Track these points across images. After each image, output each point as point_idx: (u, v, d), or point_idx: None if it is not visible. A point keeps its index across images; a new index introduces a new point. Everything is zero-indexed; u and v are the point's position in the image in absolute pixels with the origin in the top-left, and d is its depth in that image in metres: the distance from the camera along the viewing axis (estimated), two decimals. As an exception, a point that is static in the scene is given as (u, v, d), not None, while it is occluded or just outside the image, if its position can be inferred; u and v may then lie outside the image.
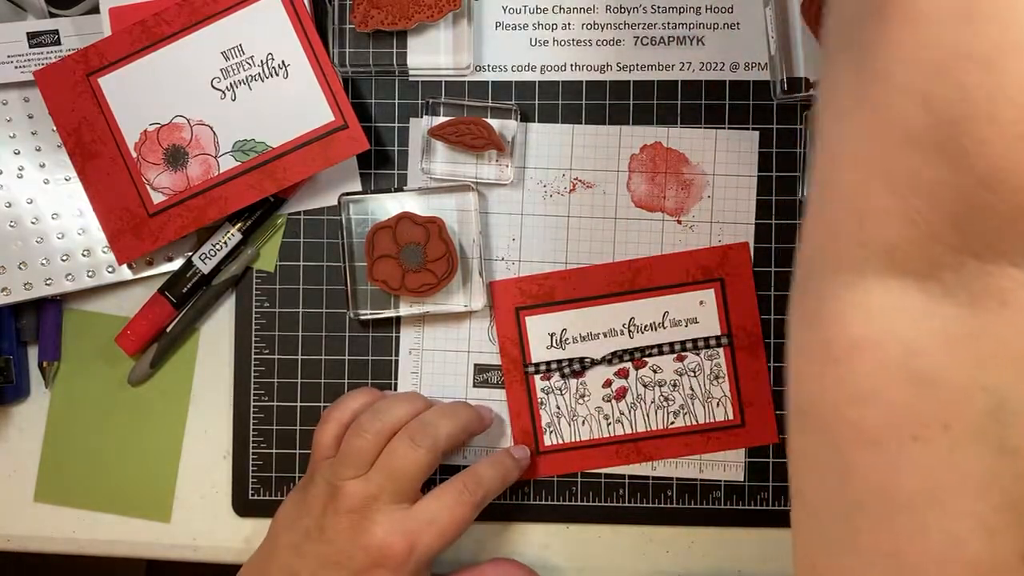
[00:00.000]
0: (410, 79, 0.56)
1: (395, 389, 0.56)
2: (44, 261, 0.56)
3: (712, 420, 0.55)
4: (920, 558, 0.26)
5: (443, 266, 0.54)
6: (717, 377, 0.55)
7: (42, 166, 0.57)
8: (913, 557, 0.26)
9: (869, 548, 0.27)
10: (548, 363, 0.56)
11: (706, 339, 0.55)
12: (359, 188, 0.56)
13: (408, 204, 0.55)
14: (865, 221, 0.27)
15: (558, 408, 0.56)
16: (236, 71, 0.54)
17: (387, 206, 0.55)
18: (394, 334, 0.56)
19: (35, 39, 0.56)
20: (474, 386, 0.56)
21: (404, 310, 0.55)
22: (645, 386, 0.56)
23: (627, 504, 0.56)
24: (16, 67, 0.56)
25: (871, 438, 0.27)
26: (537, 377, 0.56)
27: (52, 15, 0.57)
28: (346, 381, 0.57)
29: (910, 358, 0.26)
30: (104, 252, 0.56)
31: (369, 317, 0.56)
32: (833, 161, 0.29)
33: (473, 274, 0.55)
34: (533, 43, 0.56)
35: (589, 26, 0.56)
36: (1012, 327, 0.25)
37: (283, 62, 0.54)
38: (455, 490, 0.50)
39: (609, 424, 0.56)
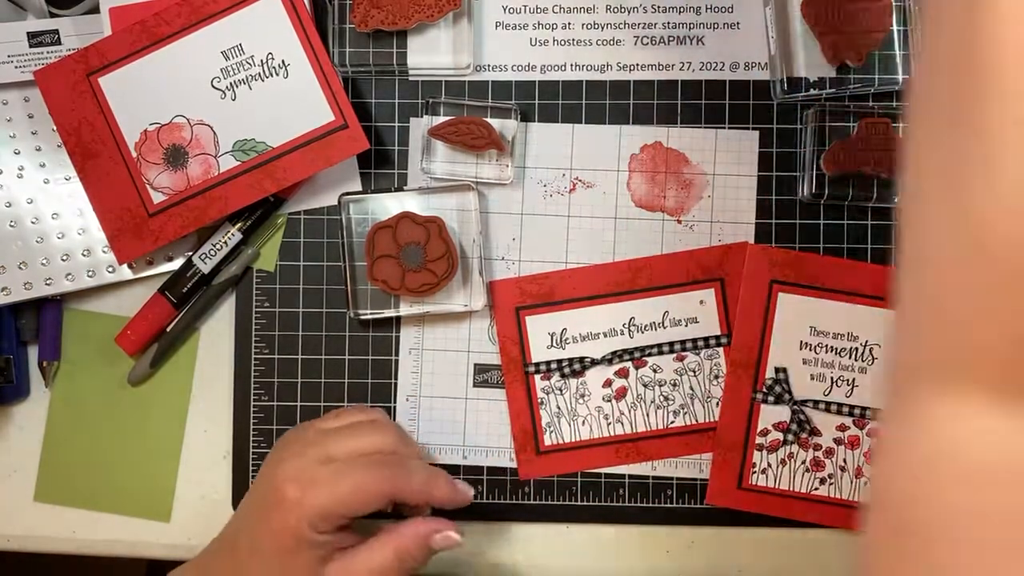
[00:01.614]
0: (410, 79, 0.56)
1: (395, 389, 0.56)
2: (44, 261, 0.56)
3: (712, 420, 0.55)
4: None
5: (443, 266, 0.54)
6: (717, 377, 0.55)
7: (42, 166, 0.57)
8: None
9: None
10: (548, 363, 0.56)
11: (706, 339, 0.55)
12: (359, 188, 0.56)
13: (408, 204, 0.55)
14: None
15: (558, 408, 0.56)
16: (236, 71, 0.54)
17: (387, 206, 0.55)
18: (394, 334, 0.56)
19: (35, 39, 0.56)
20: (474, 386, 0.56)
21: (404, 310, 0.55)
22: (645, 386, 0.56)
23: (627, 504, 0.56)
24: (16, 67, 0.56)
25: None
26: (537, 377, 0.56)
27: (52, 15, 0.57)
28: (346, 381, 0.57)
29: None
30: (104, 252, 0.56)
31: (369, 317, 0.56)
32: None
33: (473, 274, 0.55)
34: (533, 43, 0.56)
35: (589, 26, 0.56)
36: None
37: (283, 62, 0.54)
38: (377, 465, 0.48)
39: (609, 424, 0.56)
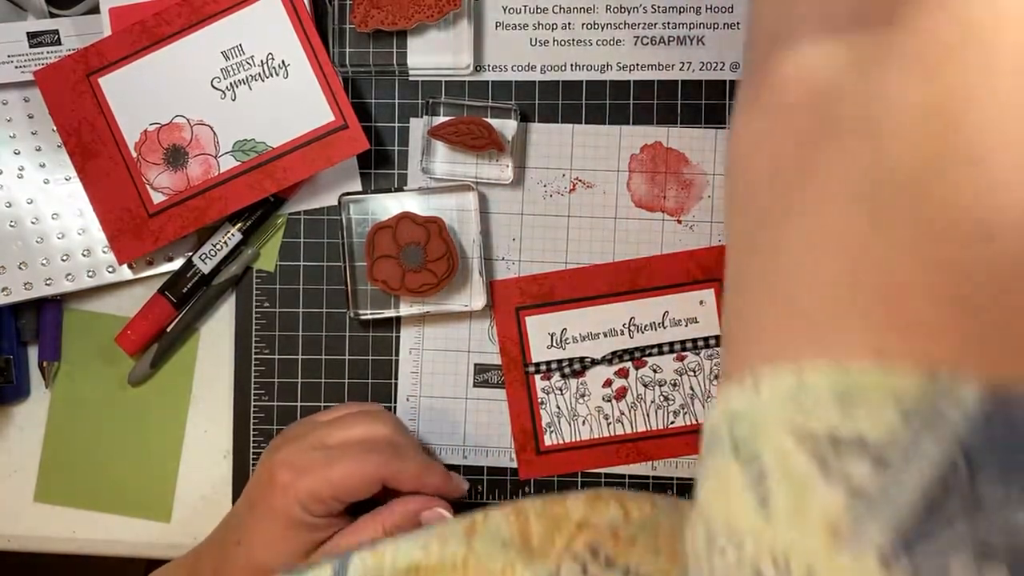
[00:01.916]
0: (410, 79, 0.56)
1: (395, 389, 0.56)
2: (44, 261, 0.56)
3: (712, 420, 0.55)
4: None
5: (443, 266, 0.54)
6: (717, 377, 0.55)
7: (42, 166, 0.57)
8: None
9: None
10: (548, 363, 0.56)
11: (706, 339, 0.55)
12: (359, 188, 0.56)
13: (408, 204, 0.55)
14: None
15: (558, 408, 0.56)
16: (236, 71, 0.54)
17: (387, 206, 0.55)
18: (394, 334, 0.56)
19: (35, 39, 0.56)
20: (474, 386, 0.56)
21: (404, 310, 0.56)
22: (645, 386, 0.56)
23: (627, 504, 0.56)
24: (16, 67, 0.56)
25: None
26: (537, 377, 0.56)
27: (52, 15, 0.57)
28: (346, 381, 0.57)
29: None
30: (104, 252, 0.56)
31: (369, 317, 0.56)
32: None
33: (473, 274, 0.55)
34: (533, 43, 0.56)
35: (589, 26, 0.56)
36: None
37: (283, 62, 0.54)
38: (369, 451, 0.48)
39: (609, 424, 0.56)
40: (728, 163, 0.26)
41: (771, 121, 0.24)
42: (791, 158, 0.23)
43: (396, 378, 0.56)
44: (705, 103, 0.55)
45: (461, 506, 0.50)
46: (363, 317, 0.56)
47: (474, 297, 0.55)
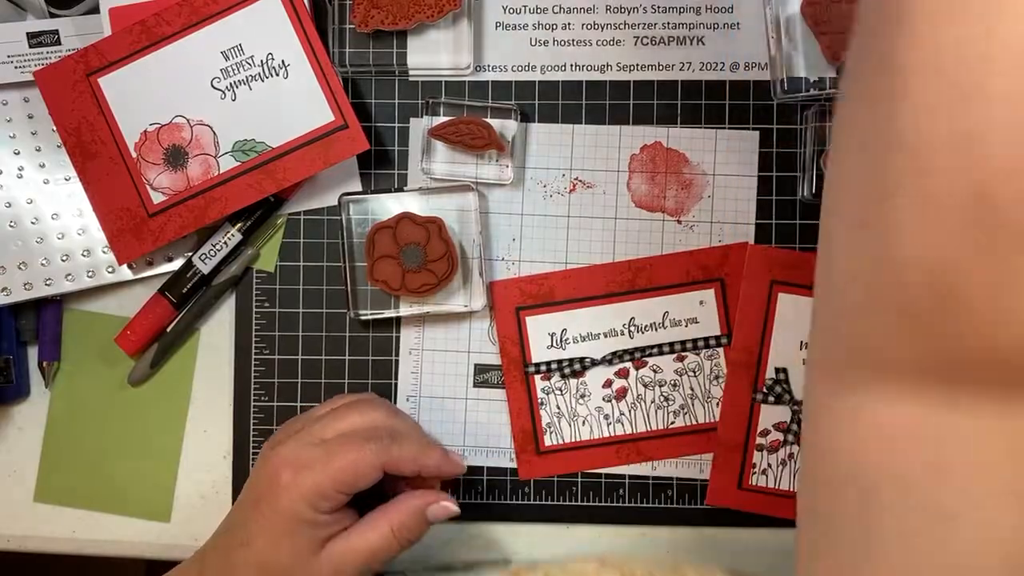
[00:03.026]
0: (410, 79, 0.56)
1: (395, 389, 0.56)
2: (44, 261, 0.56)
3: (712, 420, 0.55)
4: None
5: (443, 266, 0.54)
6: (717, 377, 0.55)
7: (42, 166, 0.57)
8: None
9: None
10: (548, 363, 0.56)
11: (706, 339, 0.55)
12: (359, 188, 0.56)
13: (408, 204, 0.55)
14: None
15: (558, 408, 0.56)
16: (236, 71, 0.54)
17: (387, 206, 0.55)
18: (394, 334, 0.56)
19: (35, 39, 0.56)
20: (474, 386, 0.56)
21: (404, 310, 0.56)
22: (645, 386, 0.55)
23: (627, 504, 0.56)
24: (16, 67, 0.56)
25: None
26: (537, 377, 0.56)
27: (52, 15, 0.57)
28: (346, 381, 0.57)
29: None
30: (104, 252, 0.56)
31: (369, 317, 0.56)
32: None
33: (473, 274, 0.55)
34: (533, 43, 0.56)
35: (589, 26, 0.56)
36: None
37: (283, 62, 0.54)
38: (366, 439, 0.48)
39: (609, 424, 0.56)
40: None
41: None
42: None
43: (396, 378, 0.56)
44: (705, 103, 0.55)
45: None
46: (363, 317, 0.56)
47: (474, 297, 0.55)
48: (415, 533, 0.48)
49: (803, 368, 0.54)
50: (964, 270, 0.23)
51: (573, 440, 0.56)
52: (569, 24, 0.56)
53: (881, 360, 0.27)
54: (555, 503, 0.56)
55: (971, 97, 0.23)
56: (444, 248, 0.54)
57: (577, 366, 0.55)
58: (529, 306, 0.56)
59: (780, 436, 0.55)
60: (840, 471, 0.29)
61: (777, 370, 0.54)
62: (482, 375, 0.56)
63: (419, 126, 0.56)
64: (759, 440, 0.55)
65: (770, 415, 0.55)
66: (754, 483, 0.55)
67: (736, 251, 0.55)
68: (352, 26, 0.55)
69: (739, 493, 0.55)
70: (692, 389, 0.55)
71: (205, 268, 0.56)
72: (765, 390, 0.54)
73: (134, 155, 0.54)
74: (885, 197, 0.25)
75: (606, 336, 0.55)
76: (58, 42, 0.56)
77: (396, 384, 0.56)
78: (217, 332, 0.57)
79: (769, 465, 0.55)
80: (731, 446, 0.55)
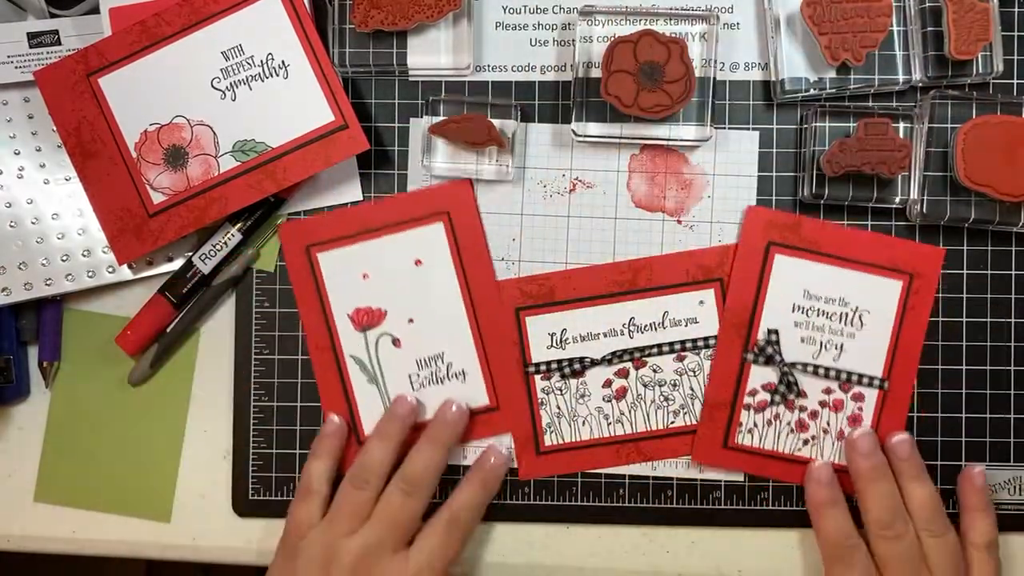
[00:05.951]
0: (410, 79, 0.56)
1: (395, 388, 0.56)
2: (44, 261, 0.56)
3: (712, 420, 0.55)
4: None
5: (680, 88, 0.51)
6: (717, 377, 0.55)
7: (42, 166, 0.57)
8: None
9: None
10: (548, 363, 0.56)
11: (706, 339, 0.55)
12: (359, 188, 0.56)
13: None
14: None
15: (558, 408, 0.56)
16: (236, 71, 0.54)
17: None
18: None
19: (35, 39, 0.56)
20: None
21: (628, 131, 0.54)
22: (645, 386, 0.56)
23: (627, 504, 0.56)
24: (16, 67, 0.56)
25: None
26: (537, 377, 0.56)
27: (52, 15, 0.57)
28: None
29: None
30: (104, 252, 0.56)
31: (586, 140, 0.55)
32: None
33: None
34: (533, 43, 0.56)
35: (589, 26, 0.56)
36: None
37: (283, 62, 0.54)
38: (443, 526, 0.52)
39: (609, 424, 0.56)
40: None
41: None
42: None
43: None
44: (705, 103, 0.55)
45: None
46: (579, 139, 0.55)
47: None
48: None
49: (794, 330, 0.54)
50: None
51: (573, 440, 0.56)
52: (569, 24, 0.56)
53: None
54: (555, 503, 0.56)
55: None
56: (684, 71, 0.52)
57: (577, 366, 0.55)
58: (529, 306, 0.56)
59: (767, 396, 0.55)
60: None
61: (769, 331, 0.55)
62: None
63: (419, 126, 0.56)
64: (747, 399, 0.55)
65: (759, 375, 0.55)
66: (740, 442, 0.55)
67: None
68: (352, 26, 0.55)
69: (724, 452, 0.55)
70: (692, 389, 0.55)
71: (205, 268, 0.56)
72: (756, 350, 0.55)
73: (134, 155, 0.54)
74: None
75: (606, 336, 0.55)
76: (58, 42, 0.56)
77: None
78: (217, 332, 0.57)
79: (755, 424, 0.55)
80: (718, 404, 0.55)
